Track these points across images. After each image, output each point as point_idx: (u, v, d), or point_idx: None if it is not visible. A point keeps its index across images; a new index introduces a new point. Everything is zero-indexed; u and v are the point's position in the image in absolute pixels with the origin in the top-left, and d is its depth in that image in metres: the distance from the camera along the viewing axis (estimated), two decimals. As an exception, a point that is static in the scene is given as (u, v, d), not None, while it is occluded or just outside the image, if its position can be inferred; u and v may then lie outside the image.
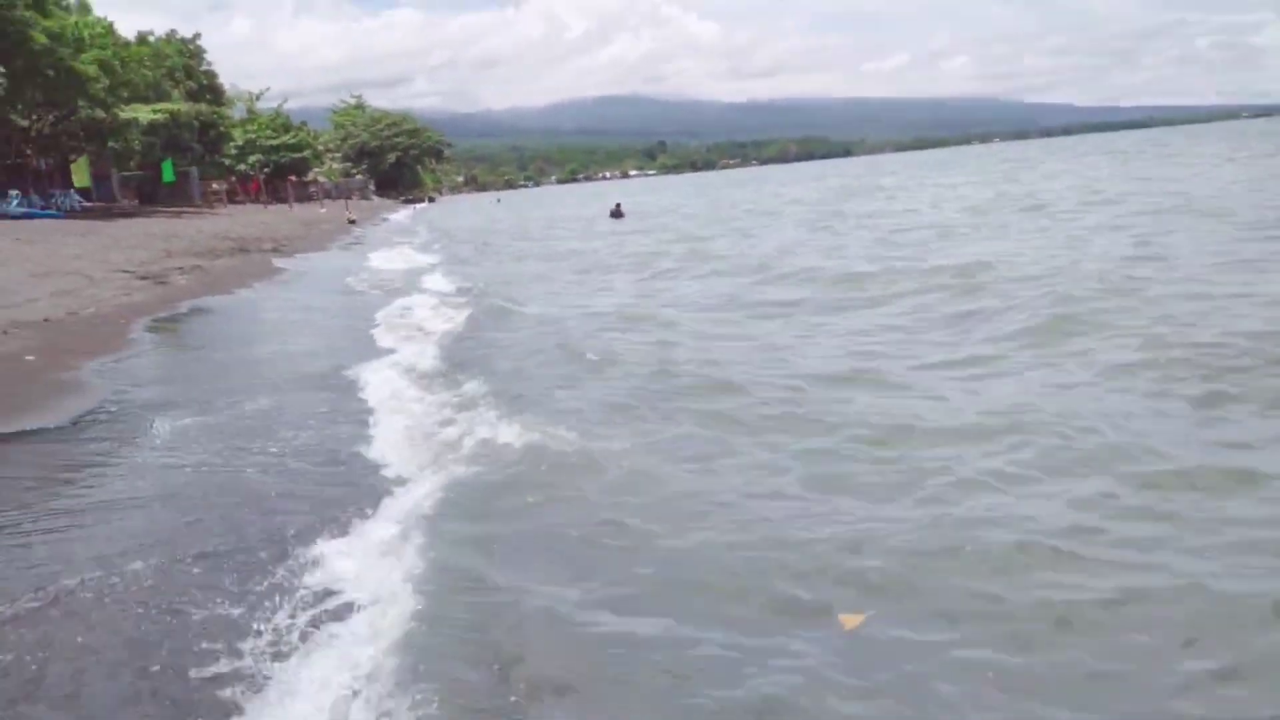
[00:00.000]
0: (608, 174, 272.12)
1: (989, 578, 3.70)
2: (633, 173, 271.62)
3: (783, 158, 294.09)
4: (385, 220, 55.27)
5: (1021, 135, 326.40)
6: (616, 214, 35.75)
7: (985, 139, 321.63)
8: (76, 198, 38.68)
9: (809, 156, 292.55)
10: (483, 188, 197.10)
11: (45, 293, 12.83)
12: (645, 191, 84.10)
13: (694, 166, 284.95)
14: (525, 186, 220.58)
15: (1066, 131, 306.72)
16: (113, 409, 7.10)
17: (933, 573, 3.79)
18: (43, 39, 30.92)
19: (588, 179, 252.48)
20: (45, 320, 10.66)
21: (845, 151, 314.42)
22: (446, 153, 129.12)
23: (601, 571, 3.98)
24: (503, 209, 67.54)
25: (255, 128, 69.06)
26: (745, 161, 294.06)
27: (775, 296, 12.03)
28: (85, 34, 34.33)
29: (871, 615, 3.52)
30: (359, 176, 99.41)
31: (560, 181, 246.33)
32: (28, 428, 6.47)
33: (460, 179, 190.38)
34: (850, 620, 3.53)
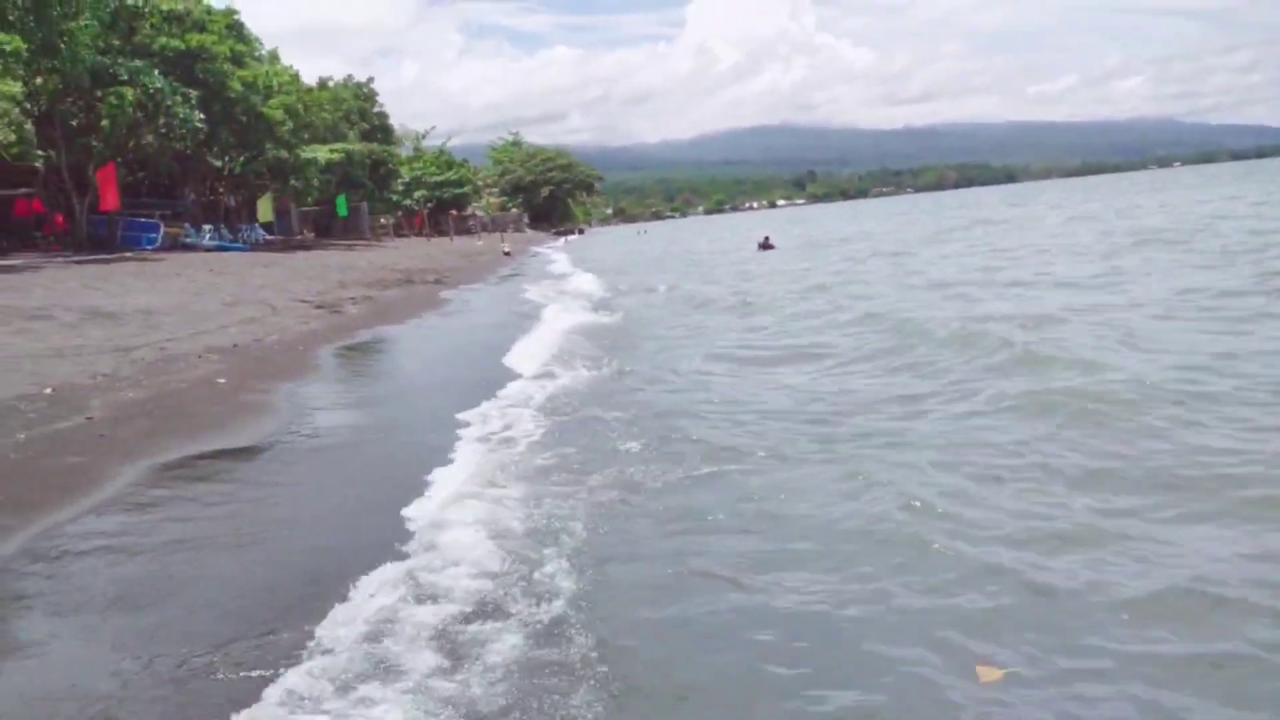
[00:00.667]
0: (754, 204, 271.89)
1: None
2: (780, 202, 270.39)
3: (940, 184, 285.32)
4: (536, 254, 57.22)
5: (1208, 159, 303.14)
6: (765, 246, 35.41)
7: (1165, 163, 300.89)
8: (261, 232, 42.12)
9: (969, 183, 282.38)
10: (630, 219, 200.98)
11: (235, 320, 13.91)
12: (796, 221, 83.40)
13: (844, 195, 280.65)
14: (672, 218, 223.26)
15: (1260, 154, 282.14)
16: (296, 430, 7.55)
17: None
18: (238, 87, 34.00)
19: (734, 209, 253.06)
20: (235, 346, 11.52)
21: (1008, 178, 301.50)
22: (597, 186, 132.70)
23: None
24: (646, 240, 68.50)
25: (421, 165, 73.28)
26: (900, 189, 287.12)
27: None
28: (274, 82, 37.54)
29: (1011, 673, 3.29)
30: (514, 210, 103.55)
31: (707, 212, 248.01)
32: (222, 447, 6.98)
33: (609, 211, 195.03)
34: (987, 674, 3.31)
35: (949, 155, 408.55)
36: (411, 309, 18.12)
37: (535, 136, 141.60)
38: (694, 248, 45.15)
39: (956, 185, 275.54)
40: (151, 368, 9.85)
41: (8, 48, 21.59)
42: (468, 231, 73.50)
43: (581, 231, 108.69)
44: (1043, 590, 4.02)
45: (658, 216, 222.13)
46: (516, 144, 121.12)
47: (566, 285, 24.45)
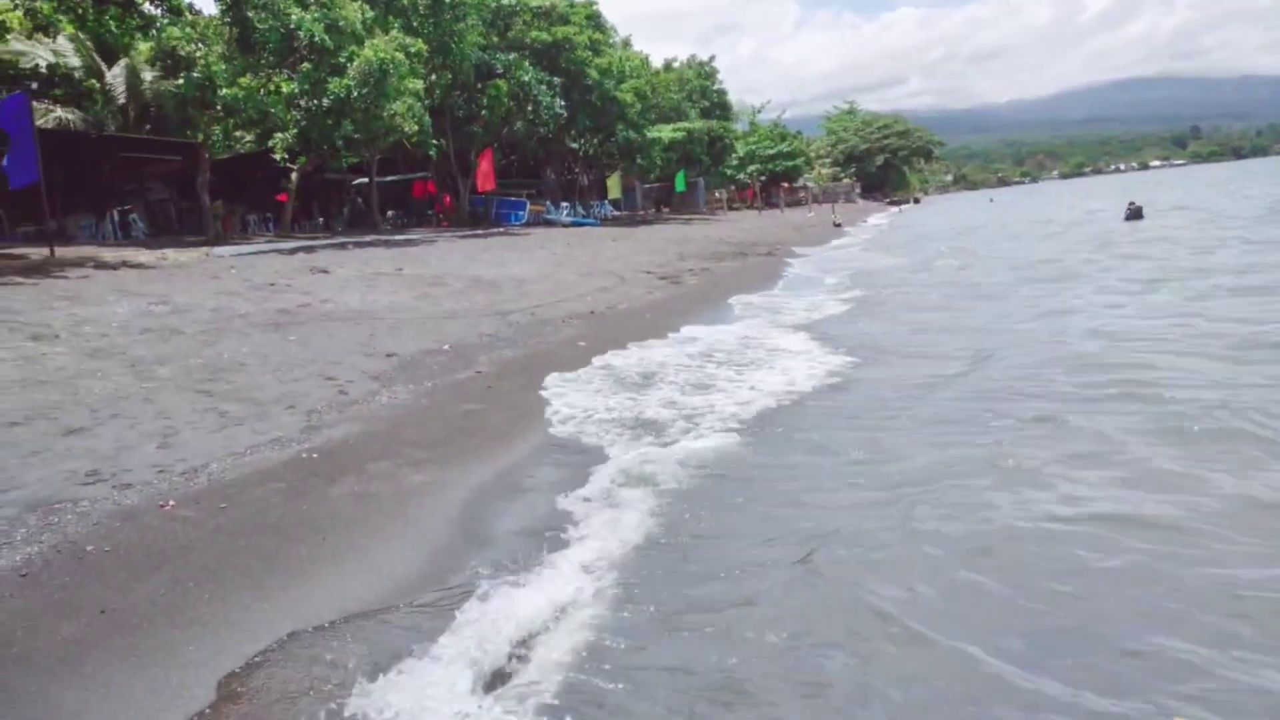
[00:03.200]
0: (1121, 166, 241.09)
1: None
2: (1154, 163, 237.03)
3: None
4: (863, 225, 55.54)
5: None
6: (1134, 215, 31.30)
7: None
8: (609, 207, 45.35)
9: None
10: (973, 186, 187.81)
11: (590, 289, 15.12)
12: (1172, 184, 72.67)
13: (1236, 154, 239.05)
14: (1021, 183, 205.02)
15: None
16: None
17: None
18: (595, 75, 36.69)
19: (1096, 172, 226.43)
20: (591, 313, 12.54)
21: None
22: (936, 152, 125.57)
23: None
24: (995, 209, 63.39)
25: (755, 139, 74.13)
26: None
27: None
28: (626, 67, 39.99)
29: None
30: (846, 180, 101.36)
31: (1063, 176, 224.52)
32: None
33: (949, 178, 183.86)
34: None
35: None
36: (745, 279, 18.49)
37: (871, 103, 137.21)
38: (1051, 215, 41.07)
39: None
40: (524, 329, 11.04)
41: (413, 49, 25.12)
42: (798, 203, 73.29)
43: (917, 200, 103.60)
44: None
45: (1004, 183, 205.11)
46: (851, 112, 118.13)
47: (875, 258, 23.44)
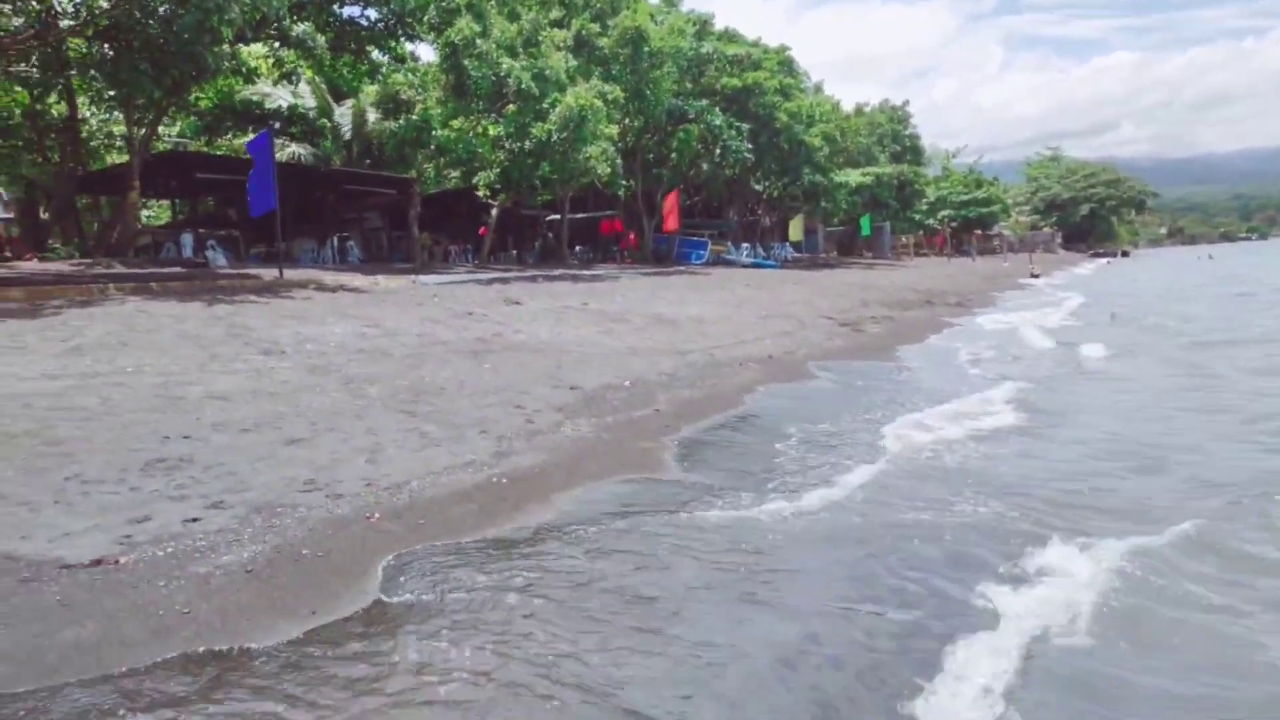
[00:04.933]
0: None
1: None
2: None
3: None
4: (1066, 273, 52.17)
5: None
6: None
7: None
8: (790, 249, 45.11)
9: None
10: (1190, 240, 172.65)
11: (770, 333, 15.06)
12: None
13: None
14: (1246, 239, 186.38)
15: None
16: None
17: None
18: (784, 118, 36.82)
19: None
20: (770, 357, 12.48)
21: None
22: (1149, 203, 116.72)
23: None
24: (1211, 266, 57.55)
25: (948, 184, 71.74)
26: None
27: None
28: (816, 112, 39.90)
29: None
30: (1046, 229, 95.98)
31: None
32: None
33: (1163, 230, 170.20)
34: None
35: None
36: (931, 329, 17.82)
37: (1078, 150, 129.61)
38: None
39: None
40: (703, 370, 11.13)
41: (611, 96, 26.20)
42: (991, 252, 70.05)
43: (1125, 254, 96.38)
44: None
45: (1227, 238, 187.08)
46: (1055, 159, 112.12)
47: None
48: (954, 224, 69.27)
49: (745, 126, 34.52)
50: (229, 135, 30.25)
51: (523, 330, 13.25)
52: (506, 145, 24.42)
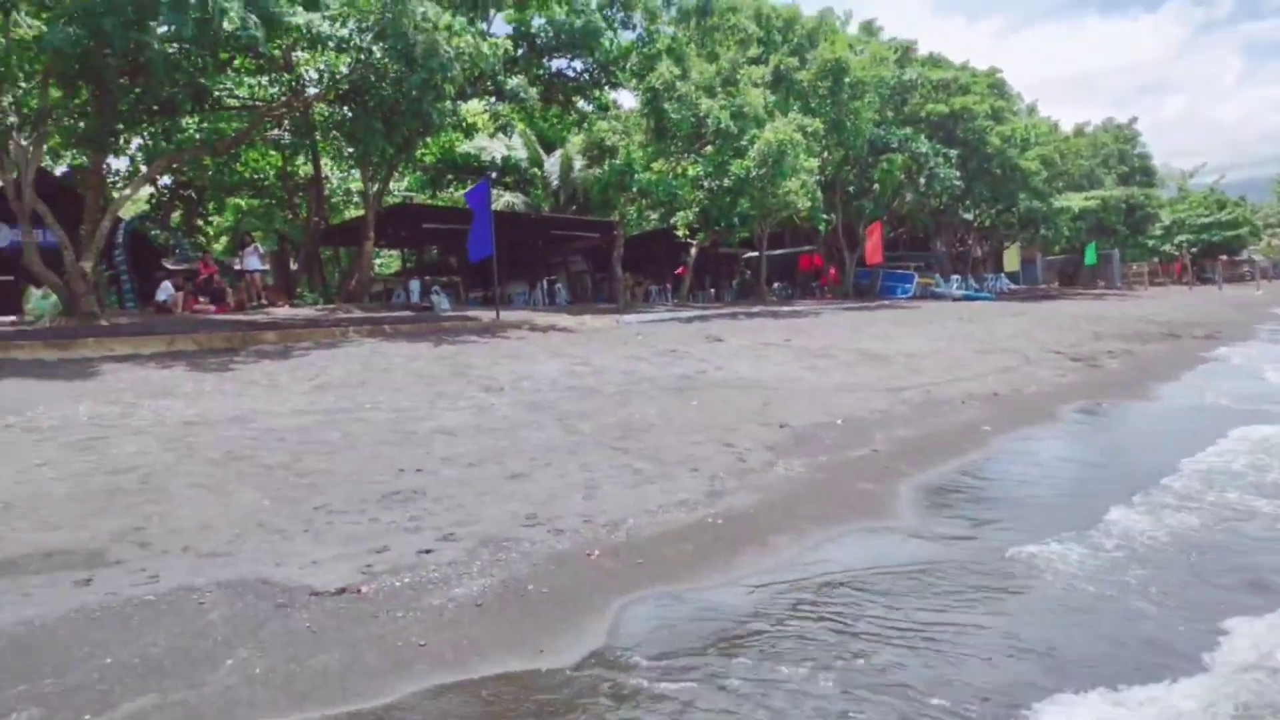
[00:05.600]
0: None
1: None
2: None
3: None
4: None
5: None
6: None
7: None
8: (1005, 280, 42.49)
9: None
10: None
11: (990, 368, 14.07)
12: None
13: None
14: None
15: None
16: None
17: None
18: (996, 143, 34.94)
19: None
20: (994, 394, 11.61)
21: None
22: None
23: None
24: None
25: (1185, 206, 65.34)
26: None
27: None
28: (1031, 134, 37.59)
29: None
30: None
31: None
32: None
33: None
34: None
35: None
36: (1183, 365, 15.99)
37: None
38: None
39: None
40: (920, 409, 10.50)
41: (810, 129, 25.89)
42: (1239, 279, 62.80)
43: None
44: None
45: None
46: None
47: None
48: (1193, 249, 62.79)
49: (953, 153, 33.03)
50: (450, 187, 32.57)
51: (725, 367, 13.12)
52: (705, 184, 24.65)
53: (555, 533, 5.56)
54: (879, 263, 34.15)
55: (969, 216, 40.86)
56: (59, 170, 24.80)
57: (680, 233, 26.43)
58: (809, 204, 25.70)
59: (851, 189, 33.80)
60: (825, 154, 30.40)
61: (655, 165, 24.21)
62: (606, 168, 23.37)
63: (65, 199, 18.23)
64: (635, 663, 4.01)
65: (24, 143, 14.78)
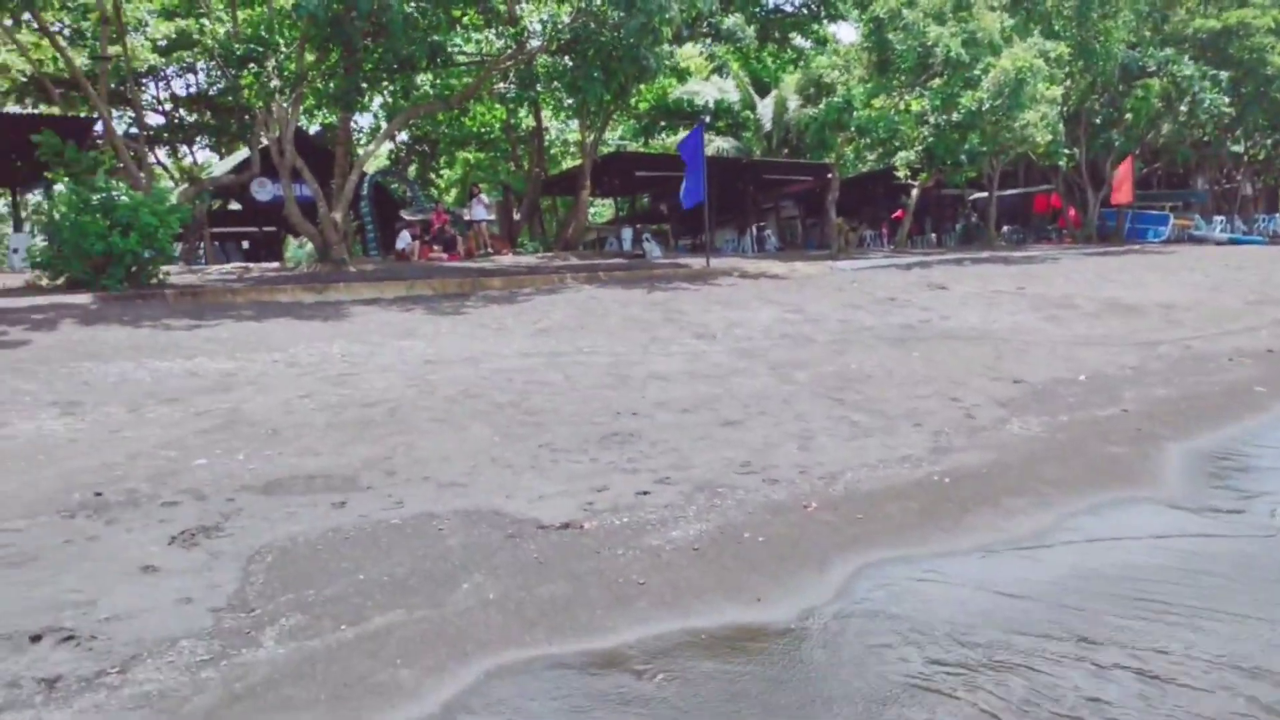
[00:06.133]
0: None
1: None
2: None
3: None
4: None
5: None
6: None
7: None
8: (1281, 222, 37.18)
9: None
10: None
11: (1265, 321, 12.37)
12: None
13: None
14: None
15: None
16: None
17: None
18: (1277, 62, 30.20)
19: None
20: (1269, 351, 10.19)
21: None
22: None
23: None
24: None
25: None
26: None
27: None
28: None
29: None
30: None
31: None
32: None
33: None
34: None
35: None
36: None
37: None
38: None
39: None
40: (1177, 365, 9.41)
41: (1053, 54, 23.55)
42: None
43: None
44: None
45: None
46: None
47: None
48: None
49: (1223, 75, 28.92)
50: (662, 134, 32.74)
51: (951, 317, 12.38)
52: (931, 120, 23.15)
53: (770, 482, 5.46)
54: (1128, 202, 30.80)
55: (1239, 149, 35.83)
56: (312, 130, 27.27)
57: (900, 173, 25.07)
58: (1049, 138, 23.50)
59: (1098, 120, 30.53)
60: (1069, 82, 27.60)
61: (875, 102, 22.99)
62: (823, 106, 22.47)
63: (318, 156, 20.02)
64: (864, 626, 3.85)
65: (284, 105, 16.29)
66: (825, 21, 23.02)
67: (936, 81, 23.09)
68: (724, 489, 5.32)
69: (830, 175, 24.87)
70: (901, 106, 23.94)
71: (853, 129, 22.33)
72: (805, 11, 22.17)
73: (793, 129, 30.19)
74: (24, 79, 23.58)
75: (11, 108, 24.41)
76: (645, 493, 5.22)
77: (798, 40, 25.87)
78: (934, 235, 33.73)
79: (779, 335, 10.55)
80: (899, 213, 28.75)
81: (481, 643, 3.56)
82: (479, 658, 3.47)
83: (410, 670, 3.34)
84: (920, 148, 23.60)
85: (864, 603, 4.04)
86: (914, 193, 25.82)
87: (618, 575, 4.18)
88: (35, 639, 3.44)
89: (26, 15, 15.71)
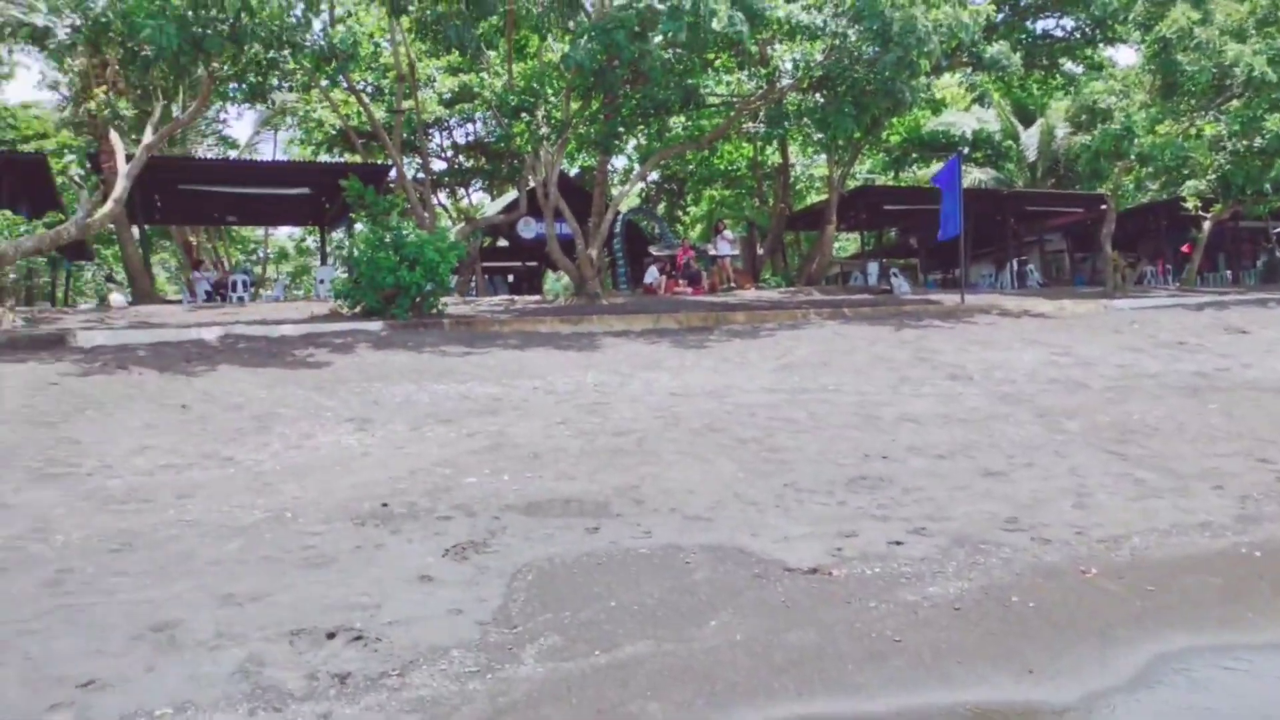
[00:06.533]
0: None
1: None
2: None
3: None
4: None
5: None
6: None
7: None
8: None
9: None
10: None
11: None
12: None
13: None
14: None
15: None
16: None
17: None
18: None
19: None
20: None
21: None
22: None
23: None
24: None
25: None
26: None
27: None
28: None
29: None
30: None
31: None
32: None
33: None
34: None
35: None
36: None
37: None
38: None
39: None
40: None
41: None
42: None
43: None
44: None
45: None
46: None
47: None
48: None
49: None
50: (913, 167, 31.64)
51: (1254, 365, 10.87)
52: (1228, 146, 20.62)
53: (1040, 541, 5.00)
54: None
55: None
56: (573, 172, 29.03)
57: (1189, 204, 22.49)
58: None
59: None
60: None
61: (1160, 128, 20.82)
62: (1098, 134, 20.64)
63: (577, 196, 21.26)
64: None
65: (550, 150, 17.47)
66: (1100, 45, 21.22)
67: (1235, 104, 20.58)
68: (987, 545, 4.94)
69: (1104, 206, 22.79)
70: (1192, 132, 21.54)
71: (1133, 157, 20.33)
72: (1078, 36, 20.57)
73: (1061, 158, 28.06)
74: (333, 132, 27.06)
75: (323, 157, 28.14)
76: (898, 542, 4.96)
77: (1068, 66, 24.10)
78: (1229, 273, 29.91)
79: (1045, 380, 9.74)
80: (1187, 246, 25.77)
81: (730, 684, 3.51)
82: (728, 701, 3.41)
83: (659, 705, 3.35)
84: (1214, 176, 21.07)
85: (1161, 689, 3.57)
86: (1206, 225, 23.05)
87: (869, 629, 3.98)
88: (330, 636, 3.82)
89: (339, 76, 18.00)
